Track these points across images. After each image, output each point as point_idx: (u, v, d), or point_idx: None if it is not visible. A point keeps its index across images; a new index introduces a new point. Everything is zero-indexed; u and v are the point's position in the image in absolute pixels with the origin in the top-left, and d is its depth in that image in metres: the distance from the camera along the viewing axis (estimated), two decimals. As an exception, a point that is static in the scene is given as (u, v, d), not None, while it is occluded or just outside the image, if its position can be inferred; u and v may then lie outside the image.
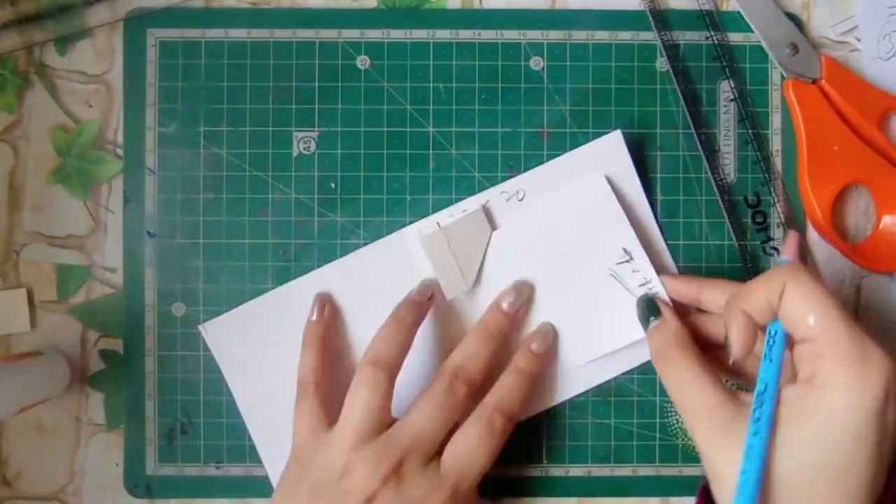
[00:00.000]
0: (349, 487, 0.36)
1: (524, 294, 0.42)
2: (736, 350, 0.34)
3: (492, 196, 0.43)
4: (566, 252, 0.42)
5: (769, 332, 0.34)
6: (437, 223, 0.43)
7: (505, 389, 0.40)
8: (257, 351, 0.43)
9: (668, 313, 0.39)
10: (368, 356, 0.39)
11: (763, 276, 0.34)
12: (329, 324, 0.42)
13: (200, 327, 0.43)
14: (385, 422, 0.38)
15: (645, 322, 0.40)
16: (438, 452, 0.38)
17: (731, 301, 0.35)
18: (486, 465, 0.38)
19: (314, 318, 0.42)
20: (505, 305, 0.41)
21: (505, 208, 0.43)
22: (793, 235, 0.36)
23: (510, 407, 0.39)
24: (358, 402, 0.38)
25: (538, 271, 0.43)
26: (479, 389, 0.40)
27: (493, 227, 0.43)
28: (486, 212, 0.43)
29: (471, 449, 0.38)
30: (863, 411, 0.30)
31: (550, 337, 0.42)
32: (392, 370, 0.39)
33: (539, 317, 0.43)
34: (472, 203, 0.43)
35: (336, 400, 0.40)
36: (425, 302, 0.41)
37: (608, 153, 0.43)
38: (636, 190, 0.43)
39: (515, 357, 0.41)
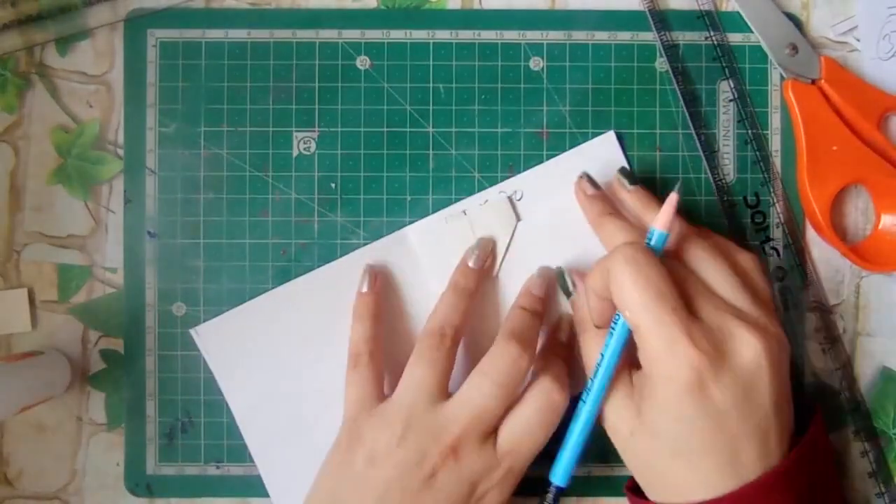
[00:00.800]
0: (408, 460, 0.37)
1: (546, 278, 0.43)
2: (598, 323, 0.38)
3: (490, 196, 0.43)
4: (587, 243, 0.43)
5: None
6: (464, 211, 0.43)
7: (556, 368, 0.40)
8: (251, 354, 0.43)
9: (580, 288, 0.41)
10: (431, 324, 0.39)
11: (603, 259, 0.36)
12: (380, 294, 0.42)
13: (192, 331, 0.43)
14: (444, 392, 0.38)
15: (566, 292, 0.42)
16: (494, 429, 0.38)
17: (584, 281, 0.38)
18: (542, 443, 0.38)
19: (364, 289, 0.42)
20: (536, 290, 0.42)
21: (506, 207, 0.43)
22: (671, 199, 0.37)
23: (565, 382, 0.39)
24: (418, 372, 0.38)
25: (558, 261, 0.43)
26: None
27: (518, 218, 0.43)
28: (511, 202, 0.43)
29: (529, 428, 0.38)
30: (683, 398, 0.34)
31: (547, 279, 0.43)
32: (456, 337, 0.39)
33: (560, 307, 0.43)
34: (470, 203, 0.43)
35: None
36: (482, 270, 0.42)
37: (602, 153, 0.43)
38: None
39: (549, 341, 0.42)
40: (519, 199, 0.43)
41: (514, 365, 0.38)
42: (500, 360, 0.38)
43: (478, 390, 0.38)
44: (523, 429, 0.38)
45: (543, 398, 0.38)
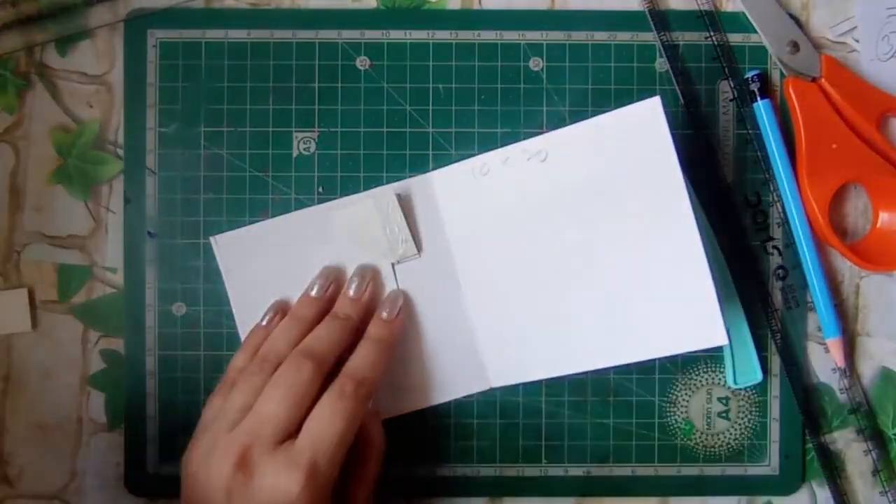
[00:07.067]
0: (210, 485, 0.36)
1: (367, 278, 0.42)
2: None
3: (511, 154, 0.41)
4: (608, 213, 0.39)
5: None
6: (483, 171, 0.42)
7: (355, 358, 0.39)
8: (264, 270, 0.43)
9: None
10: (298, 347, 0.39)
11: None
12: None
13: (211, 238, 0.43)
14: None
15: None
16: (290, 434, 0.37)
17: None
18: (342, 433, 0.37)
19: (263, 323, 0.42)
20: (350, 292, 0.42)
21: (525, 167, 0.41)
22: None
23: (360, 372, 0.39)
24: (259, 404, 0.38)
25: (578, 228, 0.40)
26: (332, 371, 0.39)
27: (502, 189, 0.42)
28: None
29: (323, 418, 0.37)
30: None
31: (399, 301, 0.42)
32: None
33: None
34: (491, 157, 0.42)
35: None
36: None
37: (642, 122, 0.38)
38: (671, 169, 0.38)
39: (367, 327, 0.41)
40: (543, 160, 0.41)
41: (299, 368, 0.38)
42: (286, 365, 0.38)
43: (263, 398, 0.37)
44: (317, 422, 0.37)
45: (336, 389, 0.38)
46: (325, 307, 0.42)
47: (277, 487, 0.35)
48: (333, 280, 0.42)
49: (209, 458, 0.36)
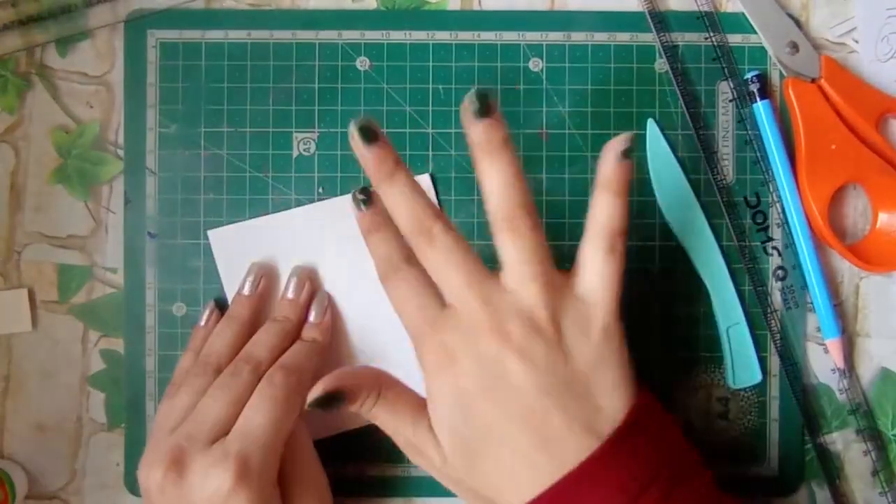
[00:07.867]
0: (150, 488, 0.37)
1: (303, 279, 0.43)
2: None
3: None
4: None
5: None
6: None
7: (287, 353, 0.40)
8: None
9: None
10: (238, 354, 0.40)
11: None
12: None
13: (210, 232, 0.43)
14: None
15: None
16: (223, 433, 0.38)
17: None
18: (271, 420, 0.37)
19: (201, 323, 0.42)
20: (289, 294, 0.42)
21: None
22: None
23: (289, 362, 0.39)
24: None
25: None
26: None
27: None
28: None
29: (251, 408, 0.37)
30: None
31: (325, 303, 0.43)
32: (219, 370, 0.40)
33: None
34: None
35: None
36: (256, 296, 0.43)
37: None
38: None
39: (301, 331, 0.42)
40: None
41: (237, 371, 0.39)
42: (227, 369, 0.39)
43: (203, 401, 0.38)
44: (246, 414, 0.37)
45: (265, 379, 0.38)
46: (258, 303, 0.42)
47: (208, 483, 0.36)
48: (263, 275, 0.43)
49: (148, 461, 0.37)
